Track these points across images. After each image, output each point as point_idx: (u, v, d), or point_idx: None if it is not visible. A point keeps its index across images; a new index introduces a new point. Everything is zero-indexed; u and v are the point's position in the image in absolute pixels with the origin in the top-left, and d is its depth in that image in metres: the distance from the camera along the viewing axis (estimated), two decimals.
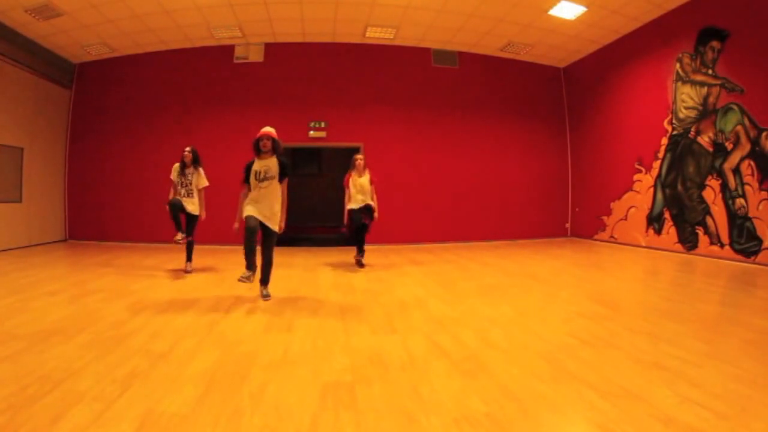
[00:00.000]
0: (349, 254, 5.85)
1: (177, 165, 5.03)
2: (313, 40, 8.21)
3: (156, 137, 8.22)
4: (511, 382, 2.06)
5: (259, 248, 3.78)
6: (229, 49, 8.23)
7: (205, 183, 5.06)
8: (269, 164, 3.77)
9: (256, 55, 8.25)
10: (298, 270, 5.45)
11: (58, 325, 2.92)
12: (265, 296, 3.82)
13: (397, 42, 8.28)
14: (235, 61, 8.25)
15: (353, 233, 5.52)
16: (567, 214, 9.39)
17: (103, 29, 7.14)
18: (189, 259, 5.19)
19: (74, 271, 5.14)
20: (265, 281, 3.90)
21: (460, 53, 8.67)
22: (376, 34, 7.94)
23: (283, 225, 3.88)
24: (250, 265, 3.74)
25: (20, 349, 2.44)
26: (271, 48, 8.25)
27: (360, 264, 5.60)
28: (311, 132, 8.29)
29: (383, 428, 1.65)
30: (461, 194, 8.69)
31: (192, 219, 5.04)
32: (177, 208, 4.85)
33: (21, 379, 2.02)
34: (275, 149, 3.81)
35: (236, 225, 4.01)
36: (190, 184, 4.98)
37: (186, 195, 4.97)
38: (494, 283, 4.58)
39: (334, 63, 8.35)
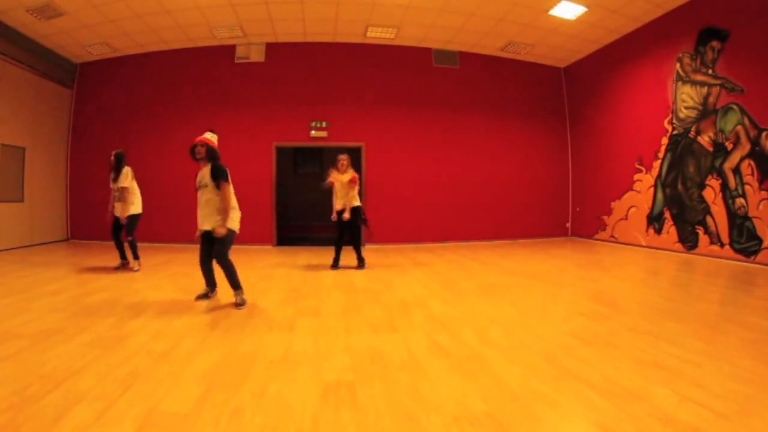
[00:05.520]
0: (350, 254, 5.85)
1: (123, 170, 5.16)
2: (315, 40, 8.21)
3: (157, 136, 8.23)
4: (511, 382, 2.07)
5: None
6: (230, 49, 8.24)
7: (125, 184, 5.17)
8: (204, 172, 3.59)
9: (258, 55, 8.25)
10: (300, 269, 5.46)
11: (59, 324, 2.93)
12: (238, 305, 3.53)
13: (398, 42, 8.28)
14: (237, 60, 8.26)
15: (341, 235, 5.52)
16: (567, 213, 9.39)
17: (104, 29, 7.15)
18: (135, 257, 5.24)
19: (76, 271, 5.15)
20: (232, 286, 3.65)
21: (461, 53, 8.67)
22: (377, 34, 7.94)
23: (223, 230, 3.47)
24: (207, 283, 3.81)
25: (22, 348, 2.45)
26: (272, 48, 8.25)
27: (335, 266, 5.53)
28: (312, 132, 8.29)
29: (384, 427, 1.66)
30: (462, 194, 8.69)
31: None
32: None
33: (22, 379, 2.03)
34: (210, 156, 3.59)
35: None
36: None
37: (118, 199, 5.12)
38: (495, 283, 4.58)
39: (335, 63, 8.36)
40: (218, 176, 3.52)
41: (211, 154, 3.62)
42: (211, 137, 3.70)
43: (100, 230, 8.29)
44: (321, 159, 10.83)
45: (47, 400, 1.81)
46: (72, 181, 8.43)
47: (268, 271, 4.78)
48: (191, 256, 6.54)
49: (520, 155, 9.03)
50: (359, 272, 5.28)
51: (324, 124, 8.30)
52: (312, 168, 10.74)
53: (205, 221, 3.59)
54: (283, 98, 8.28)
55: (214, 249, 3.62)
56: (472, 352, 2.49)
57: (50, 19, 6.63)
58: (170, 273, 5.10)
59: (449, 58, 8.63)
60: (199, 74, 8.28)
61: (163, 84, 8.32)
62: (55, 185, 8.18)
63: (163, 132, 8.26)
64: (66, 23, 6.81)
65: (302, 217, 10.17)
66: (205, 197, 3.58)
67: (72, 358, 2.31)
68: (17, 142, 7.24)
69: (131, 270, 5.17)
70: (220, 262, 3.60)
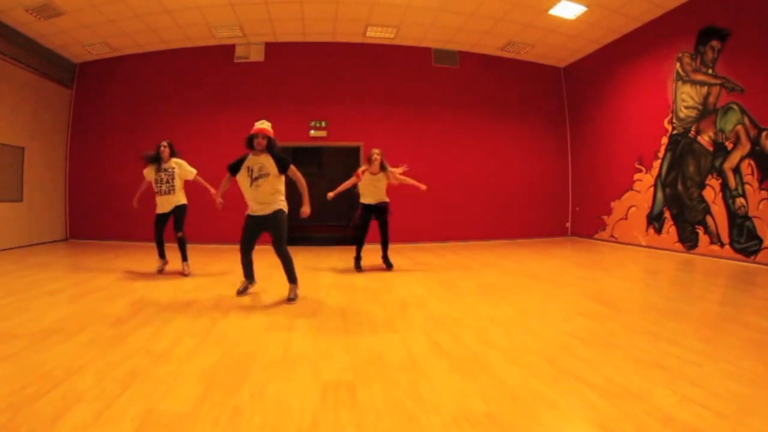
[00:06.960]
0: (349, 253, 5.84)
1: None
2: (314, 40, 8.20)
3: (157, 136, 8.17)
4: (511, 382, 2.06)
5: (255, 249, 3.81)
6: (229, 49, 8.23)
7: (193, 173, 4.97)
8: (263, 162, 3.66)
9: (257, 55, 8.25)
10: (299, 269, 5.39)
11: (58, 324, 2.92)
12: (291, 299, 3.69)
13: (398, 41, 8.28)
14: (236, 60, 8.25)
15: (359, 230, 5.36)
16: (567, 213, 9.39)
17: (103, 29, 7.14)
18: (184, 258, 4.97)
19: (75, 271, 5.15)
20: (290, 279, 3.82)
21: (461, 53, 8.67)
22: (377, 34, 7.94)
23: (308, 209, 3.85)
24: (247, 275, 3.88)
25: (20, 348, 2.45)
26: (271, 47, 8.25)
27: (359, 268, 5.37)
28: (312, 131, 8.29)
29: (383, 427, 1.66)
30: (461, 193, 8.68)
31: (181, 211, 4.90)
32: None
33: (21, 378, 2.02)
34: (270, 147, 3.71)
35: (220, 200, 4.10)
36: (172, 179, 4.80)
37: (168, 192, 4.80)
38: (494, 283, 4.58)
39: (334, 62, 8.35)
40: (288, 163, 3.73)
41: (271, 145, 3.72)
42: (268, 127, 3.80)
43: (99, 230, 8.32)
44: (320, 159, 10.83)
45: (46, 400, 1.81)
46: (71, 181, 8.42)
47: (268, 271, 4.77)
48: (191, 255, 6.53)
49: (520, 155, 9.03)
50: (359, 272, 5.26)
51: (323, 124, 8.29)
52: (311, 168, 10.73)
53: (266, 207, 3.71)
54: (282, 98, 8.27)
55: (275, 236, 3.73)
56: (471, 352, 2.49)
57: (50, 19, 6.63)
58: (170, 272, 5.09)
59: (449, 58, 8.63)
60: (199, 74, 8.27)
61: (163, 84, 8.32)
62: (55, 185, 8.17)
63: (163, 132, 8.21)
64: (65, 23, 6.80)
65: (301, 218, 10.16)
66: (270, 185, 3.69)
67: (71, 358, 2.30)
68: (16, 141, 7.23)
69: (183, 274, 4.81)
70: (280, 251, 3.74)
